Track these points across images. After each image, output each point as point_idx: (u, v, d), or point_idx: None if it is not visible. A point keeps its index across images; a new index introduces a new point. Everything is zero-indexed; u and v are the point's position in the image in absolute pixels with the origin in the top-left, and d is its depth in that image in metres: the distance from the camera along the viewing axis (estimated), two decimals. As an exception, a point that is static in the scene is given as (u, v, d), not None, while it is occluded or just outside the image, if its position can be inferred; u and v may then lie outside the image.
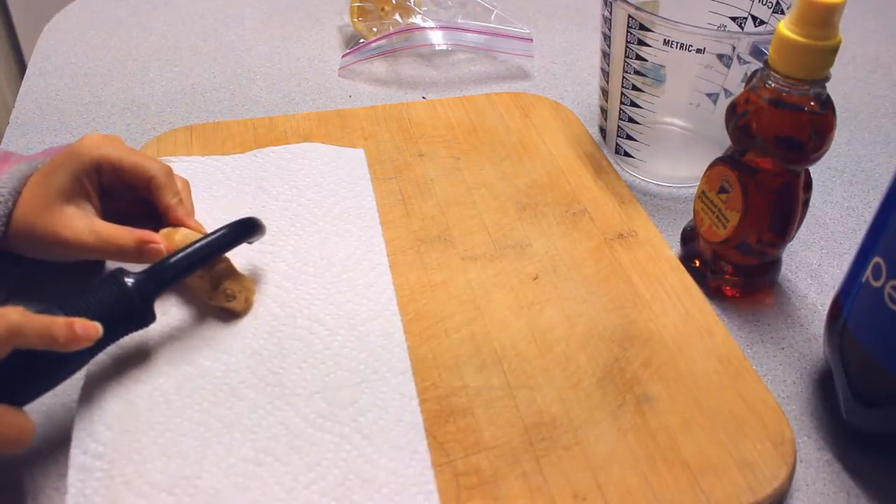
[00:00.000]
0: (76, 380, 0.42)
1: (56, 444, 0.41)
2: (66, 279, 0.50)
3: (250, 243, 0.48)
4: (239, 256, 0.50)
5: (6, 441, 0.36)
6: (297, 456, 0.40)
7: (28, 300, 0.49)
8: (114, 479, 0.38)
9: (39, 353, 0.38)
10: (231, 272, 0.47)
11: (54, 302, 0.40)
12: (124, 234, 0.47)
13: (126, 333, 0.43)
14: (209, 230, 0.51)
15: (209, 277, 0.47)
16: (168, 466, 0.39)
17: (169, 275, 0.44)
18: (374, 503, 0.38)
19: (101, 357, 0.43)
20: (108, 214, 0.49)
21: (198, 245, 0.45)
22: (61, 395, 0.43)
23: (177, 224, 0.49)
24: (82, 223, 0.46)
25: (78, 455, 0.39)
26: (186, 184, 0.53)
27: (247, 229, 0.47)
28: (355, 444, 0.41)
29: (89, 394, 0.42)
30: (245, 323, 0.47)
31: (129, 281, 0.42)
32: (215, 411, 0.42)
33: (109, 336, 0.41)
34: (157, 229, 0.49)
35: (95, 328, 0.39)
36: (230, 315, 0.47)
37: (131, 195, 0.50)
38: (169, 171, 0.50)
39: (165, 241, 0.47)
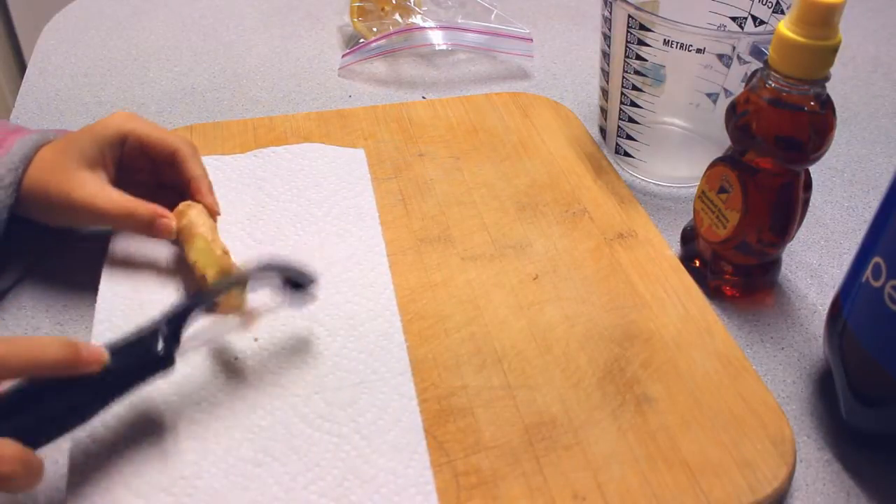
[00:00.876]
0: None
1: (56, 444, 0.41)
2: (77, 260, 0.51)
3: (295, 290, 0.44)
4: (238, 257, 0.50)
5: (12, 482, 0.34)
6: (296, 456, 0.40)
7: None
8: (113, 480, 0.38)
9: (54, 399, 0.36)
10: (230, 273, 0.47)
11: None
12: (139, 204, 0.47)
13: (146, 376, 0.39)
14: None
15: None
16: (167, 466, 0.39)
17: (189, 310, 0.41)
18: (373, 503, 0.38)
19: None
20: (123, 189, 0.50)
21: (219, 284, 0.44)
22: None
23: (197, 197, 0.50)
24: (97, 187, 0.47)
25: (77, 455, 0.39)
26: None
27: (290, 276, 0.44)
28: (354, 444, 0.41)
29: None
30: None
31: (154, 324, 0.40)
32: (214, 411, 0.42)
33: (127, 378, 0.39)
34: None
35: (100, 352, 0.37)
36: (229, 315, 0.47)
37: (151, 174, 0.51)
38: (193, 146, 0.51)
39: (178, 218, 0.48)
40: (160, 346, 0.39)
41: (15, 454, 0.34)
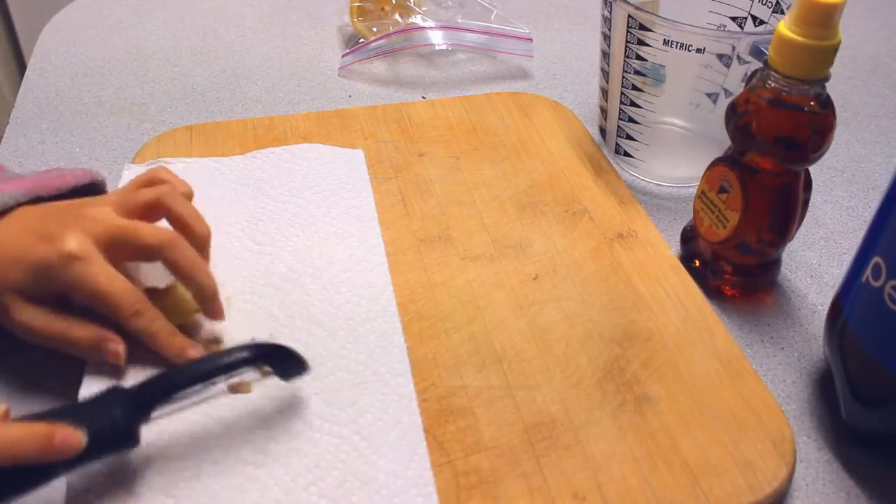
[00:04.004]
0: (75, 381, 0.43)
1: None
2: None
3: (285, 380, 0.42)
4: (237, 258, 0.50)
5: None
6: (295, 457, 0.40)
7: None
8: (112, 482, 0.38)
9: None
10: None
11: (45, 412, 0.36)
12: (79, 330, 0.43)
13: (108, 454, 0.38)
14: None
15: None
16: (166, 468, 0.39)
17: (161, 392, 0.39)
18: (374, 504, 0.38)
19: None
20: None
21: (202, 365, 0.40)
22: (61, 396, 0.43)
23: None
24: (39, 317, 0.43)
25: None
26: (189, 191, 0.49)
27: (276, 359, 0.41)
28: (354, 445, 0.40)
29: (88, 393, 0.42)
30: (243, 324, 0.47)
31: (118, 405, 0.37)
32: (213, 413, 0.42)
33: (90, 454, 0.36)
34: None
35: (78, 439, 0.35)
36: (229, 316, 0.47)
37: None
38: (141, 299, 0.43)
39: (164, 296, 0.45)
40: (124, 424, 0.37)
41: None
